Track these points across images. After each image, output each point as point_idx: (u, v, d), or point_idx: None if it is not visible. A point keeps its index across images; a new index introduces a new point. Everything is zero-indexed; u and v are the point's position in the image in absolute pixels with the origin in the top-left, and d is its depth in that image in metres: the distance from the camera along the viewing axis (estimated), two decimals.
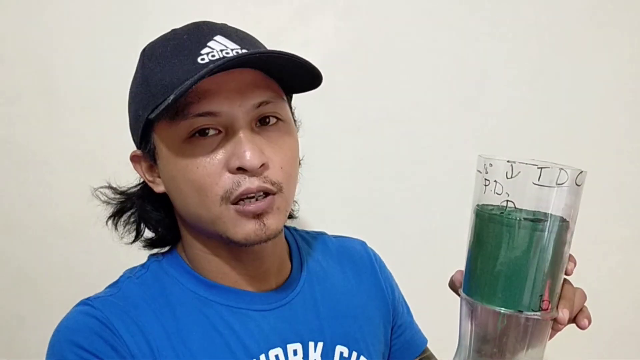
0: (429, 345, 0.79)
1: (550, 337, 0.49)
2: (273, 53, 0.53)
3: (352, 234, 0.80)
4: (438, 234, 0.99)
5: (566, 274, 0.48)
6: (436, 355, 0.79)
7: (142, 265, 0.65)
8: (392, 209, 1.00)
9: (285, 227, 0.71)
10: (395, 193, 1.00)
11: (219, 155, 0.54)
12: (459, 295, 0.52)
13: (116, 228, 0.67)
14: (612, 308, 0.96)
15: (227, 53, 0.54)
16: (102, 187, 0.67)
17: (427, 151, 0.98)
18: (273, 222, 0.56)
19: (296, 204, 0.72)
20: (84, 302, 0.58)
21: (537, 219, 0.45)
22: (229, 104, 0.54)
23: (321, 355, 0.63)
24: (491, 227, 0.47)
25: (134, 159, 0.62)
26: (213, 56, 0.54)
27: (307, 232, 0.76)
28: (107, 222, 0.67)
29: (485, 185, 0.47)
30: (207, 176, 0.54)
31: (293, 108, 0.64)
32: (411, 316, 0.79)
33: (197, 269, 0.62)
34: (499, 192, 0.46)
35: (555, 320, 0.47)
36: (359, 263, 0.75)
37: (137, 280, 0.62)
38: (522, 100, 0.97)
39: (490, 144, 0.96)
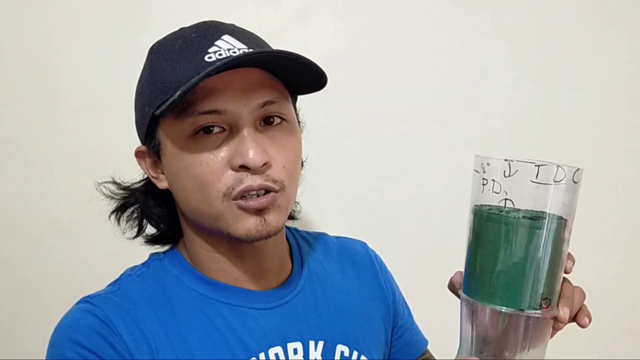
0: (429, 347, 0.79)
1: (551, 337, 0.49)
2: (279, 53, 0.53)
3: (352, 234, 0.80)
4: (438, 234, 0.99)
5: (565, 272, 0.48)
6: (437, 357, 0.79)
7: (143, 264, 0.65)
8: (392, 209, 1.00)
9: (287, 227, 0.71)
10: (395, 193, 0.99)
11: (223, 153, 0.55)
12: (458, 296, 0.52)
13: (119, 223, 0.67)
14: (612, 308, 0.96)
15: (234, 52, 0.54)
16: (106, 182, 0.67)
17: (427, 151, 0.98)
18: (274, 219, 0.56)
19: (297, 205, 0.72)
20: (85, 300, 0.58)
21: (535, 217, 0.45)
22: (234, 103, 0.54)
23: (322, 355, 0.63)
24: (490, 227, 0.47)
25: (138, 154, 0.63)
26: (220, 55, 0.54)
27: (308, 233, 0.76)
28: (110, 216, 0.67)
29: (483, 185, 0.47)
30: (210, 173, 0.54)
31: (297, 109, 0.64)
32: (412, 317, 0.79)
33: (198, 267, 0.63)
34: (497, 191, 0.46)
35: (555, 318, 0.47)
36: (359, 264, 0.75)
37: (137, 279, 0.62)
38: (522, 100, 0.97)
39: (490, 144, 0.96)
